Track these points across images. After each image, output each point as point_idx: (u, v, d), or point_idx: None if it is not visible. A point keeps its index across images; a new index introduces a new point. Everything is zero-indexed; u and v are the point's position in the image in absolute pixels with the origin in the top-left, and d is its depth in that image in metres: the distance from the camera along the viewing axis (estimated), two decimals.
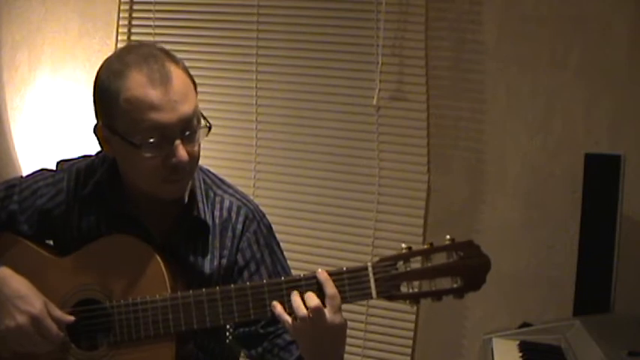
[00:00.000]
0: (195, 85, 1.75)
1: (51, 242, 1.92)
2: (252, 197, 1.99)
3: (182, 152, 1.69)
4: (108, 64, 1.74)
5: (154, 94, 1.65)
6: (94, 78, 1.75)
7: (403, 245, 1.65)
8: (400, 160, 3.06)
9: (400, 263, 1.63)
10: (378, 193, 3.08)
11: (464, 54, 2.96)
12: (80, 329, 1.78)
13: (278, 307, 1.65)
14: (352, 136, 3.11)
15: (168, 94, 1.66)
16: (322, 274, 1.65)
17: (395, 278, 1.63)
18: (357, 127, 3.11)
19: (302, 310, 1.62)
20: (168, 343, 1.73)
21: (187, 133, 1.70)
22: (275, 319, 1.72)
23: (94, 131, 1.77)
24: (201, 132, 1.74)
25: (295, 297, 1.64)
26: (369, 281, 1.63)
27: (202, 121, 1.74)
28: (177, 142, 1.68)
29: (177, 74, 1.70)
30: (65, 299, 1.78)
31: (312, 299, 1.62)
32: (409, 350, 3.07)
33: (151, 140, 1.66)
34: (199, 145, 1.76)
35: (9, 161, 3.46)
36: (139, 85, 1.66)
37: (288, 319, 1.64)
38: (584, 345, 2.23)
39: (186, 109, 1.69)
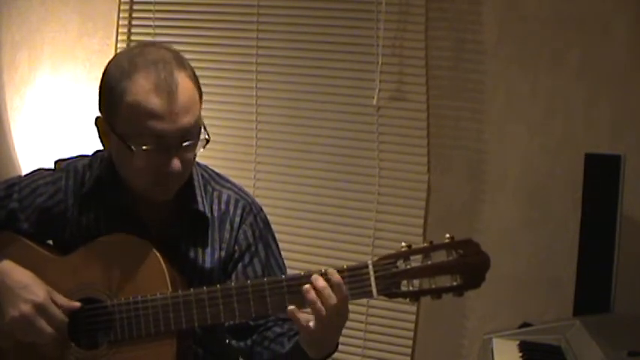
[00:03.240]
0: (201, 94, 1.75)
1: (50, 242, 1.92)
2: (250, 192, 2.00)
3: (176, 164, 1.69)
4: (118, 60, 1.74)
5: (156, 103, 1.65)
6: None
7: (403, 243, 1.65)
8: (400, 160, 3.06)
9: (400, 261, 1.64)
10: (378, 193, 3.08)
11: (464, 54, 2.96)
12: (81, 328, 1.78)
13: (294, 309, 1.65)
14: (352, 136, 3.12)
15: (171, 104, 1.66)
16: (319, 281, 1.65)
17: (395, 276, 1.63)
18: (357, 127, 3.11)
19: (328, 291, 1.62)
20: (169, 341, 1.73)
21: (185, 143, 1.70)
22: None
23: (95, 122, 1.78)
24: (200, 144, 1.75)
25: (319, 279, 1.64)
26: (369, 279, 1.64)
27: (202, 133, 1.74)
28: (173, 152, 1.69)
29: (183, 84, 1.69)
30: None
31: (334, 274, 1.63)
32: (409, 350, 3.07)
33: (146, 147, 1.67)
34: (194, 154, 1.77)
35: (9, 161, 3.46)
36: (143, 90, 1.66)
37: (304, 316, 1.64)
38: (584, 345, 2.23)
39: (187, 120, 1.69)
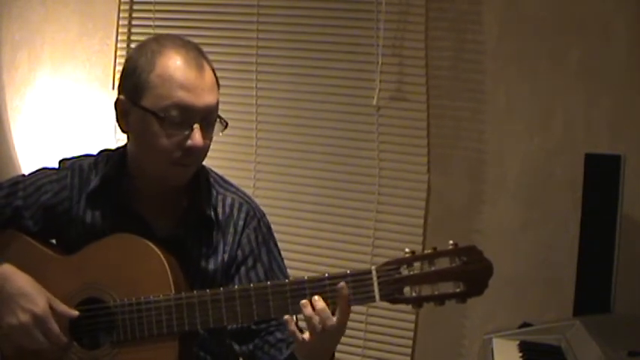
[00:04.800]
0: (219, 86, 1.81)
1: (54, 241, 1.92)
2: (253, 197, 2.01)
3: (198, 136, 1.73)
4: (144, 43, 1.80)
5: (186, 75, 1.72)
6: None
7: (407, 250, 1.65)
8: (400, 160, 3.07)
9: (404, 267, 1.64)
10: (378, 193, 3.08)
11: (464, 54, 2.97)
12: (83, 328, 1.78)
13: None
14: (352, 136, 3.12)
15: (198, 79, 1.73)
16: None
17: (398, 282, 1.64)
18: (357, 127, 3.11)
19: (309, 312, 1.64)
20: (172, 344, 1.73)
21: (206, 122, 1.75)
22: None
23: (115, 104, 1.80)
24: (217, 127, 1.79)
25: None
26: (372, 284, 1.64)
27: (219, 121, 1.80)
28: (196, 125, 1.73)
29: (208, 68, 1.77)
30: (69, 298, 1.78)
31: (319, 302, 1.64)
32: (409, 350, 3.08)
33: (174, 114, 1.71)
34: (211, 139, 1.80)
35: (9, 161, 3.46)
36: (174, 63, 1.73)
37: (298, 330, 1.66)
38: (584, 345, 2.24)
39: (211, 99, 1.76)
